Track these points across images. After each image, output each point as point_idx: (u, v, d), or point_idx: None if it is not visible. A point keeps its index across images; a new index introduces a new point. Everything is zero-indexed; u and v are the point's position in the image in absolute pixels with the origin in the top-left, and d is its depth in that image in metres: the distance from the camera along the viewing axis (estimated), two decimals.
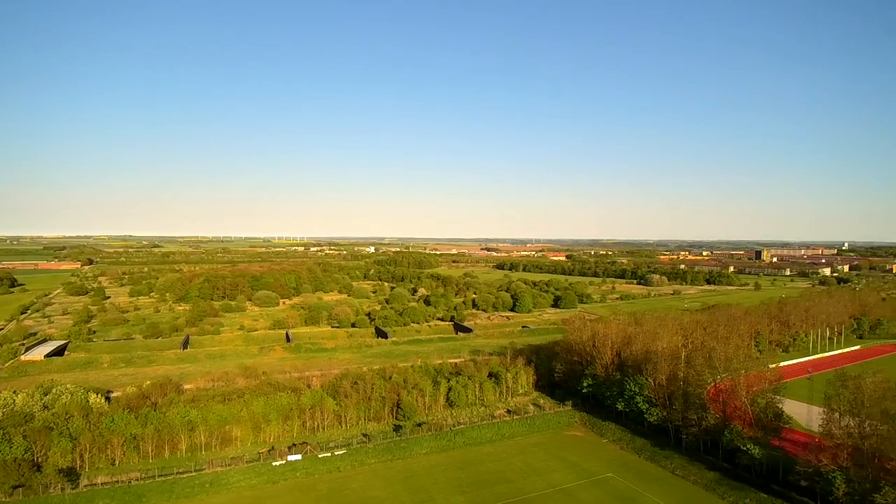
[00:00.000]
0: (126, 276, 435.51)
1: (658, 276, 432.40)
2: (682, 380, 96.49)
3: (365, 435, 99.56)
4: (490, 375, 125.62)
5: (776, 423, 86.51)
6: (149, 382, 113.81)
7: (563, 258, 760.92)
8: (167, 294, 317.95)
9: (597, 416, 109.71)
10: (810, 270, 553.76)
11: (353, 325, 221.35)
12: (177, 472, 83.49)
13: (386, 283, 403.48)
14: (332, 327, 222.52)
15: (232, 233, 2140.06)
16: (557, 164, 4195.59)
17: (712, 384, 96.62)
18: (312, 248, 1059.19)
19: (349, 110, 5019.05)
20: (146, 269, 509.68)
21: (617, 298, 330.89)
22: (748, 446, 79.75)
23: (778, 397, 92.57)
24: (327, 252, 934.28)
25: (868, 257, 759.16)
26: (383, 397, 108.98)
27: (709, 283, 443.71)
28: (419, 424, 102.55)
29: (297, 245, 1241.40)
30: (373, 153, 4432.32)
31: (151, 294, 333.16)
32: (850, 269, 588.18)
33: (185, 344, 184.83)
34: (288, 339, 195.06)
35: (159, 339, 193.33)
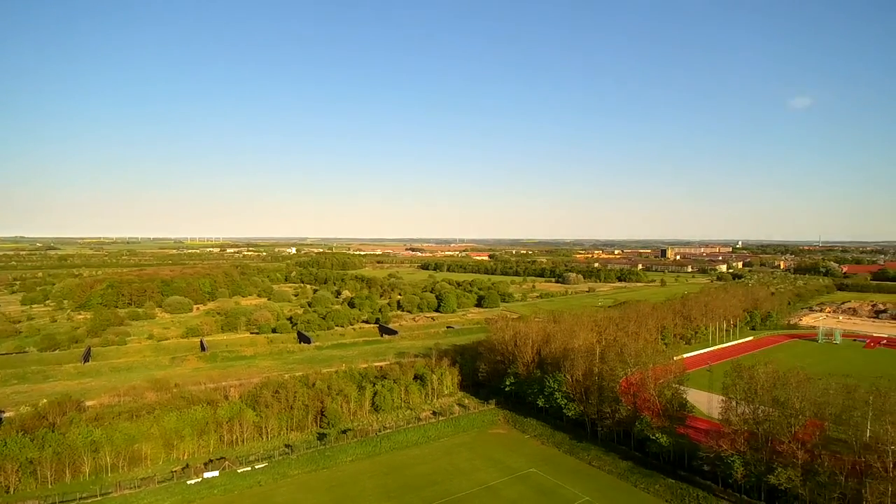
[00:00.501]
0: (17, 283, 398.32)
1: (575, 275, 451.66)
2: (597, 375, 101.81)
3: (288, 446, 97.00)
4: (416, 378, 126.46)
5: (681, 413, 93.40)
6: (45, 401, 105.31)
7: (486, 258, 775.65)
8: (65, 301, 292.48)
9: (519, 413, 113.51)
10: (709, 267, 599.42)
11: (274, 331, 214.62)
12: (80, 497, 77.74)
13: (308, 286, 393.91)
14: (252, 333, 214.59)
15: (139, 233, 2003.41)
16: (479, 165, 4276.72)
17: (624, 377, 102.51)
18: (229, 250, 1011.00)
19: (262, 105, 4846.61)
20: (40, 273, 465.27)
21: (537, 297, 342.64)
22: (657, 435, 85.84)
23: (682, 388, 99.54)
24: (245, 254, 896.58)
25: (758, 254, 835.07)
26: (306, 405, 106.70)
27: (620, 280, 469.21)
28: (344, 431, 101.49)
29: (213, 246, 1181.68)
30: (292, 150, 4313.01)
31: (47, 302, 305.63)
32: (744, 265, 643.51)
33: (87, 356, 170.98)
34: (203, 348, 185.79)
35: (56, 351, 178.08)
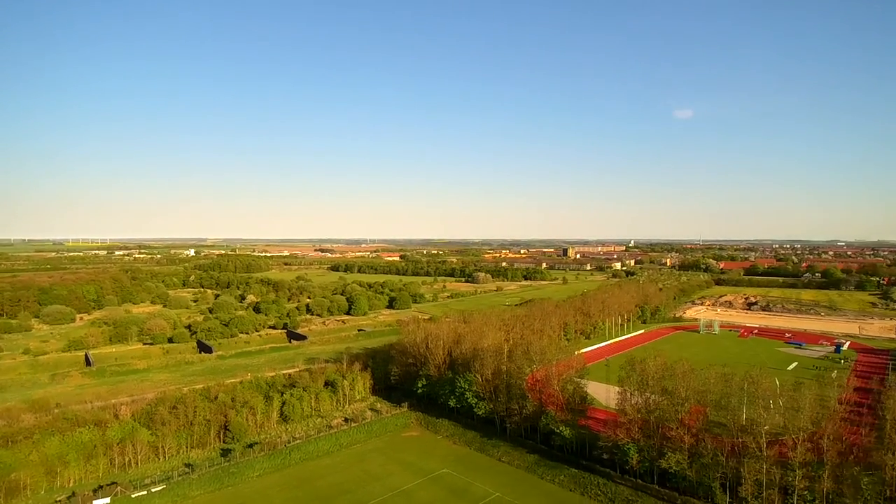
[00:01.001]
0: None
1: (484, 274, 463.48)
2: (505, 373, 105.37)
3: (188, 465, 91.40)
4: (326, 384, 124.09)
5: (582, 406, 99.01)
6: None
7: (397, 258, 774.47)
8: None
9: (431, 414, 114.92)
10: (606, 265, 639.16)
11: (171, 341, 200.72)
12: None
13: (209, 291, 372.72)
14: (145, 344, 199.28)
15: (10, 234, 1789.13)
16: (389, 164, 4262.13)
17: (530, 374, 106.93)
18: (117, 252, 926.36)
19: (151, 97, 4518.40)
20: None
21: (448, 297, 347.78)
22: (561, 429, 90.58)
23: (583, 381, 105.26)
24: (137, 256, 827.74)
25: (648, 253, 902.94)
26: (208, 420, 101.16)
27: (526, 278, 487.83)
28: (250, 445, 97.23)
29: (98, 248, 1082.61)
30: (189, 146, 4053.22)
31: None
32: (636, 263, 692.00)
33: None
34: (88, 363, 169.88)
35: None
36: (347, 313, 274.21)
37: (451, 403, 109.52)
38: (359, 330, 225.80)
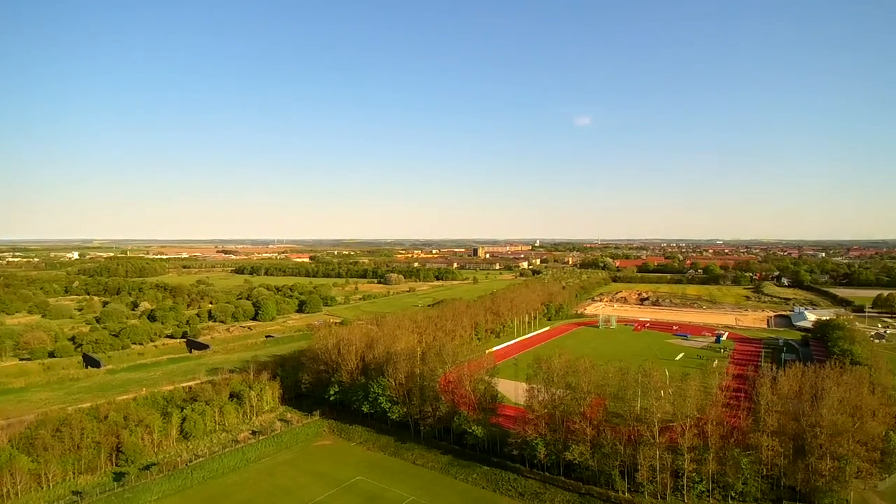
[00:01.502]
0: None
1: (396, 275, 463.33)
2: (418, 376, 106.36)
3: (76, 493, 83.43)
4: (232, 396, 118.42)
5: (493, 404, 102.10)
6: None
7: (307, 260, 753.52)
8: None
9: (344, 421, 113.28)
10: (513, 265, 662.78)
11: (52, 355, 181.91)
12: None
13: (96, 298, 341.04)
14: (21, 360, 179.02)
15: None
16: (294, 160, 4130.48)
17: (443, 375, 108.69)
18: None
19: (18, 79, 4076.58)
20: None
21: (360, 299, 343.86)
22: (473, 428, 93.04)
23: (494, 380, 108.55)
24: (10, 260, 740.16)
25: (553, 252, 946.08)
26: (98, 442, 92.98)
27: (438, 279, 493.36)
28: (147, 467, 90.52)
29: None
30: (69, 139, 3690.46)
31: None
32: (541, 262, 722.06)
33: None
34: None
35: None
36: (254, 319, 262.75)
37: (365, 409, 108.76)
38: (267, 336, 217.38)
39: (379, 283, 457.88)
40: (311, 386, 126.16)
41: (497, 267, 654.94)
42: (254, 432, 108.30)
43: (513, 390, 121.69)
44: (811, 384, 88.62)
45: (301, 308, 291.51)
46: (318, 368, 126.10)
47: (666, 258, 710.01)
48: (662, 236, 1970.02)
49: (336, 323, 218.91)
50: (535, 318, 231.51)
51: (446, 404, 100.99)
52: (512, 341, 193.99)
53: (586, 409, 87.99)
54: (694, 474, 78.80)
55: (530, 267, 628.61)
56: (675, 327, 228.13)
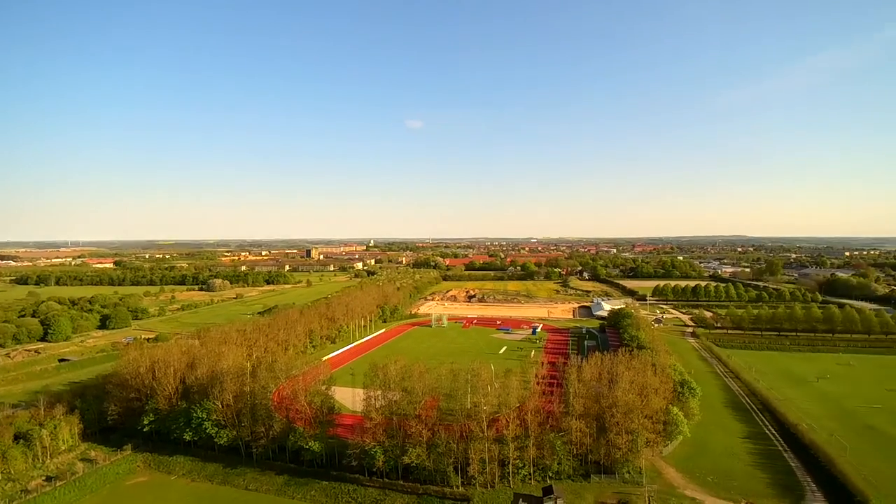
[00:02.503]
0: None
1: (221, 281, 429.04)
2: (249, 394, 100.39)
3: None
4: (17, 437, 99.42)
5: (330, 416, 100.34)
6: None
7: (110, 265, 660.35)
8: None
9: (164, 452, 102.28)
10: (348, 265, 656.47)
11: None
12: None
13: None
14: None
15: None
16: (91, 154, 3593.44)
17: (275, 391, 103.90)
18: None
19: None
20: None
21: (178, 309, 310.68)
22: (310, 444, 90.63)
23: (331, 390, 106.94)
24: None
25: (387, 252, 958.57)
26: None
27: (269, 283, 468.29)
28: None
29: None
30: None
31: None
32: (376, 262, 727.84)
33: None
34: None
35: None
36: (43, 339, 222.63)
37: (188, 437, 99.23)
38: (60, 360, 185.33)
39: (201, 290, 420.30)
40: (121, 416, 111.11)
41: (331, 268, 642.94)
42: (49, 478, 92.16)
43: (350, 397, 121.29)
44: (608, 370, 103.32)
45: (104, 324, 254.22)
46: (127, 396, 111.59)
47: (490, 256, 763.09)
48: (487, 235, 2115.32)
49: (149, 339, 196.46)
50: (370, 320, 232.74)
51: (281, 422, 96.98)
52: (348, 346, 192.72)
53: (422, 412, 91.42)
54: (518, 461, 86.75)
55: (365, 268, 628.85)
56: (498, 322, 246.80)
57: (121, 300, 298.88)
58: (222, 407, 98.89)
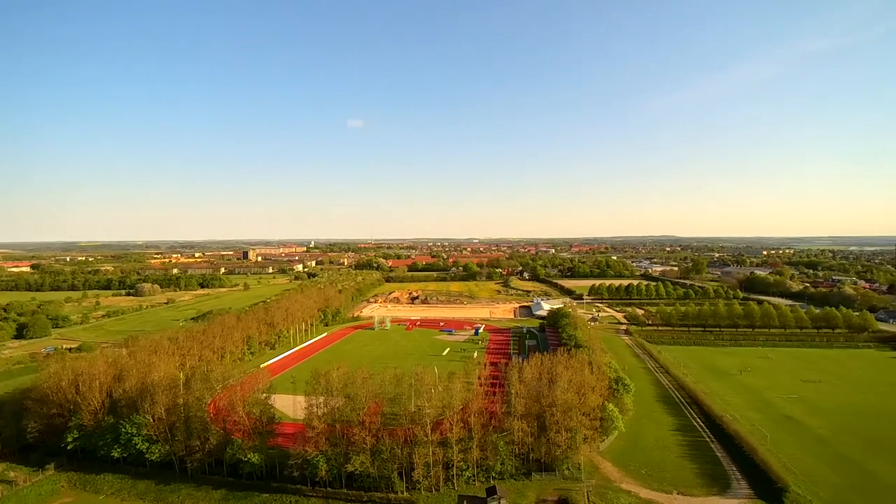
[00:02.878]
0: None
1: (150, 285, 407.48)
2: (182, 406, 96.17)
3: None
4: None
5: (270, 426, 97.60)
6: None
7: (26, 269, 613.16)
8: None
9: (90, 471, 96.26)
10: (288, 268, 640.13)
11: None
12: None
13: None
14: None
15: None
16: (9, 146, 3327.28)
17: (211, 402, 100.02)
18: None
19: None
20: None
21: (104, 316, 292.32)
22: (249, 456, 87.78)
23: (271, 399, 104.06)
24: None
25: (328, 253, 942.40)
26: None
27: (203, 286, 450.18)
28: None
29: None
30: None
31: None
32: (317, 264, 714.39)
33: None
34: None
35: None
36: None
37: (116, 454, 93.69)
38: None
39: (128, 294, 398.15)
40: (42, 434, 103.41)
41: (270, 271, 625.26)
42: None
43: (291, 405, 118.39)
44: (548, 370, 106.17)
45: (21, 333, 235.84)
46: (48, 412, 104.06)
47: (432, 257, 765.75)
48: (429, 236, 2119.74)
49: (72, 349, 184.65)
50: (312, 324, 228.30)
51: (217, 434, 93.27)
52: (289, 352, 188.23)
53: (365, 418, 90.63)
54: (462, 463, 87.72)
55: (306, 270, 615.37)
56: (441, 323, 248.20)
57: (39, 307, 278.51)
58: (154, 421, 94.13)
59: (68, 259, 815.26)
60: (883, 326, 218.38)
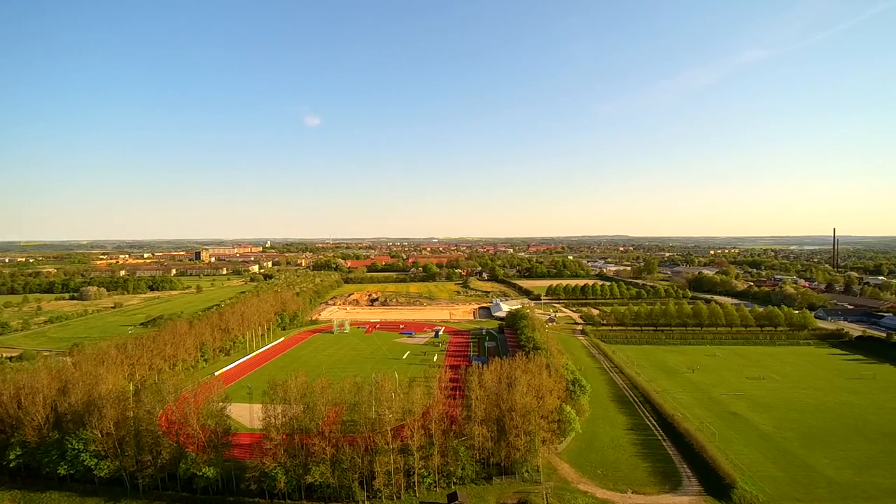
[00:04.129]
0: None
1: (96, 288, 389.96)
2: (132, 419, 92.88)
3: None
4: None
5: (226, 438, 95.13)
6: None
7: None
8: None
9: (34, 488, 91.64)
10: (243, 269, 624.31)
11: None
12: None
13: None
14: None
15: None
16: None
17: (162, 413, 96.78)
18: None
19: None
20: None
21: (46, 322, 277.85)
22: (203, 470, 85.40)
23: (226, 409, 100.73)
24: None
25: (284, 253, 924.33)
26: None
27: (152, 289, 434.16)
28: None
29: None
30: None
31: None
32: (273, 265, 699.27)
33: None
34: None
35: None
36: None
37: (62, 471, 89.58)
38: None
39: (72, 298, 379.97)
40: None
41: (224, 272, 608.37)
42: None
43: (248, 414, 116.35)
44: (507, 374, 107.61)
45: None
46: None
47: (392, 257, 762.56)
48: (388, 235, 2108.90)
49: (12, 358, 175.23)
50: (268, 329, 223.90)
51: (170, 448, 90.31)
52: (245, 358, 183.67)
53: (325, 427, 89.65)
54: (423, 470, 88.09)
55: (262, 271, 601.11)
56: (401, 326, 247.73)
57: None
58: (102, 436, 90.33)
59: (7, 260, 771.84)
60: (822, 324, 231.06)
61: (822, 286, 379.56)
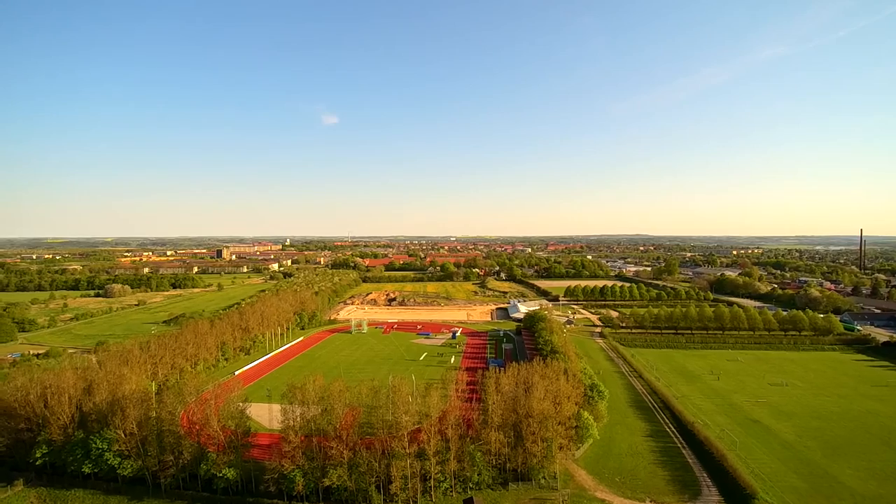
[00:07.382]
0: None
1: (120, 286, 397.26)
2: (154, 420, 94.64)
3: None
4: None
5: (245, 440, 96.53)
6: None
7: None
8: None
9: (60, 486, 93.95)
10: (263, 267, 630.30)
11: None
12: None
13: None
14: None
15: None
16: None
17: (183, 413, 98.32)
18: None
19: None
20: None
21: (71, 319, 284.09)
22: (224, 472, 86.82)
23: (246, 410, 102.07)
24: None
25: (304, 252, 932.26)
26: None
27: (175, 287, 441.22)
28: None
29: None
30: None
31: None
32: (292, 263, 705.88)
33: None
34: None
35: None
36: None
37: (87, 469, 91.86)
38: None
39: (97, 295, 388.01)
40: (8, 449, 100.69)
41: (245, 270, 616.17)
42: None
43: (267, 414, 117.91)
44: (524, 379, 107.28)
45: None
46: (16, 426, 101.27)
47: (409, 256, 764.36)
48: (406, 234, 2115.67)
49: (38, 355, 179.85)
50: (287, 328, 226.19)
51: (191, 449, 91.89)
52: (264, 357, 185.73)
53: (342, 430, 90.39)
54: (439, 475, 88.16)
55: (281, 269, 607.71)
56: (418, 327, 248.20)
57: (4, 309, 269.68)
58: (125, 436, 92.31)
59: (34, 257, 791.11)
60: (846, 329, 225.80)
61: (849, 289, 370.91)
